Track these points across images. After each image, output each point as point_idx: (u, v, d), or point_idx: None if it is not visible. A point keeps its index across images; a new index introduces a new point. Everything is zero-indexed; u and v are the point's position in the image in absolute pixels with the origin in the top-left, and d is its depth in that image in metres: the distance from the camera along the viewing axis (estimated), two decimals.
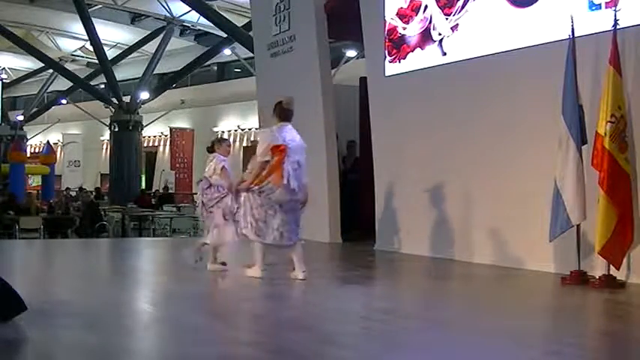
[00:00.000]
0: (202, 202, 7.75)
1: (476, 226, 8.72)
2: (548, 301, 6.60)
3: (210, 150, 7.95)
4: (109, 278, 8.11)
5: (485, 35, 8.66)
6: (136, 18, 30.29)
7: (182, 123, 31.69)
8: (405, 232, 9.81)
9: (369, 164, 10.78)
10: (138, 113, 28.83)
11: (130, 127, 28.32)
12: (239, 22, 24.11)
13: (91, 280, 7.57)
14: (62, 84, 34.44)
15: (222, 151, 7.88)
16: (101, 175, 33.35)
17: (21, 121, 37.17)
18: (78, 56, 35.23)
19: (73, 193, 23.79)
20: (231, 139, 28.83)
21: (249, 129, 28.49)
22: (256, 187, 6.98)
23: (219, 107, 30.57)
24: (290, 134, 7.07)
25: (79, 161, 34.60)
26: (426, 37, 9.60)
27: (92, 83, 31.76)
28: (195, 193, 24.45)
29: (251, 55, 16.82)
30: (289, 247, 7.07)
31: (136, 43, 31.11)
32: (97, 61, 29.43)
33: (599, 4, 7.22)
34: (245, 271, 7.16)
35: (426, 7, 9.60)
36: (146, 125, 29.66)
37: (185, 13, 28.10)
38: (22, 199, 18.25)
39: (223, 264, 7.75)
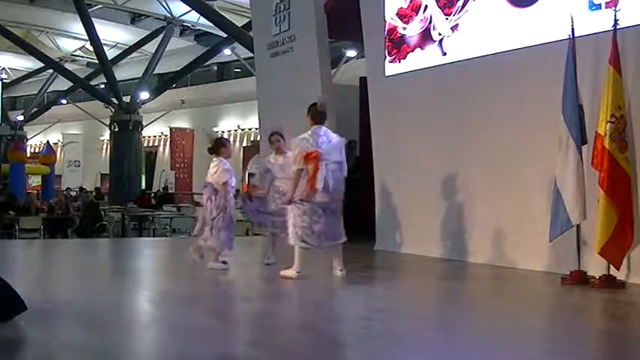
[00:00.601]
0: (207, 209, 7.68)
1: (476, 225, 8.72)
2: (547, 301, 6.59)
3: (213, 151, 7.86)
4: (109, 278, 8.10)
5: (486, 35, 8.66)
6: (136, 18, 30.33)
7: (182, 123, 31.72)
8: (405, 232, 9.81)
9: (369, 164, 10.78)
10: (138, 113, 28.86)
11: (130, 127, 28.36)
12: (239, 22, 24.12)
13: (91, 280, 7.57)
14: (62, 84, 34.48)
15: (226, 155, 7.84)
16: (101, 175, 33.37)
17: (21, 121, 37.22)
18: (78, 56, 35.28)
19: (73, 193, 23.83)
20: (231, 139, 28.92)
21: (249, 129, 28.52)
22: (297, 196, 7.01)
23: (219, 107, 30.59)
24: (324, 136, 7.08)
25: (79, 161, 34.65)
26: (426, 37, 9.61)
27: (92, 83, 31.80)
28: (195, 194, 24.55)
29: (251, 55, 16.81)
30: (333, 246, 7.17)
31: (136, 43, 31.15)
32: (97, 61, 29.47)
33: (599, 4, 7.22)
34: (281, 273, 7.17)
35: (426, 7, 9.60)
36: (146, 125, 29.69)
37: (185, 13, 28.14)
38: (22, 199, 18.25)
39: (224, 262, 7.76)
